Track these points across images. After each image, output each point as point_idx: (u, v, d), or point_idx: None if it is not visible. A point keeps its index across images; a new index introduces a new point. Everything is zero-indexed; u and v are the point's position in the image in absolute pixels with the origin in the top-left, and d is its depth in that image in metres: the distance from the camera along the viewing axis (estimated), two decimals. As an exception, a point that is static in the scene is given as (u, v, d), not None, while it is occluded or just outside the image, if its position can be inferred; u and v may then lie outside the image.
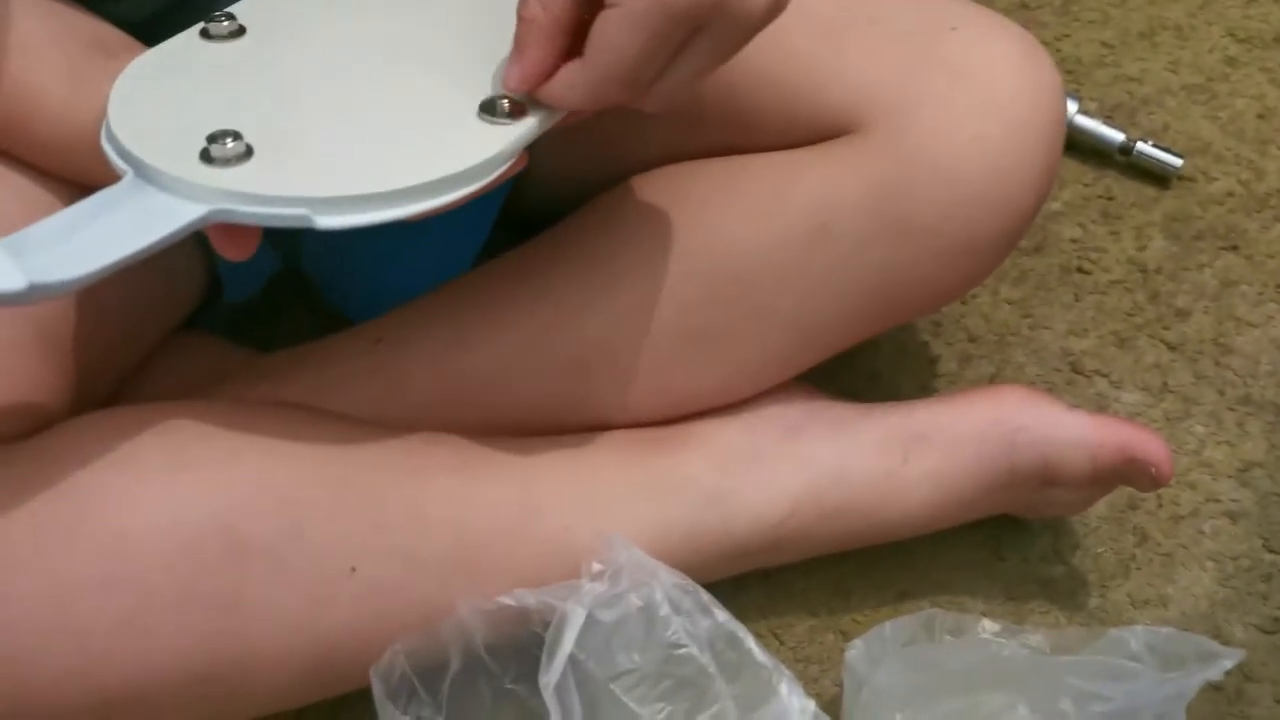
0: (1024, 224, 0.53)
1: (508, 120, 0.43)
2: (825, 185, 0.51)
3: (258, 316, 0.63)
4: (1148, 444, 0.54)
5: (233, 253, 0.41)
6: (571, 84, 0.42)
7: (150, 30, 0.48)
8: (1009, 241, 0.53)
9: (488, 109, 0.43)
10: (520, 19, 0.43)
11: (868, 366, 0.66)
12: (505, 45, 0.46)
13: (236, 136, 0.41)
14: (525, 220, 0.59)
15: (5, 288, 0.35)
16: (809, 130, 0.52)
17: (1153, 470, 0.54)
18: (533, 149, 0.59)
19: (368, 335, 0.54)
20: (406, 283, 0.56)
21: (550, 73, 0.43)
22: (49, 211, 0.45)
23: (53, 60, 0.45)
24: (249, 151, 0.41)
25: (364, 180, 0.41)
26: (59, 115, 0.45)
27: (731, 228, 0.52)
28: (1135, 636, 0.48)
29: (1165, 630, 0.48)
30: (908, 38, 0.52)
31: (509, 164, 0.43)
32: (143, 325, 0.52)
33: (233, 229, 0.40)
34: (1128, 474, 0.54)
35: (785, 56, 0.52)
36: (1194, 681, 0.44)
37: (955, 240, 0.52)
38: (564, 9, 0.42)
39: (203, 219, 0.40)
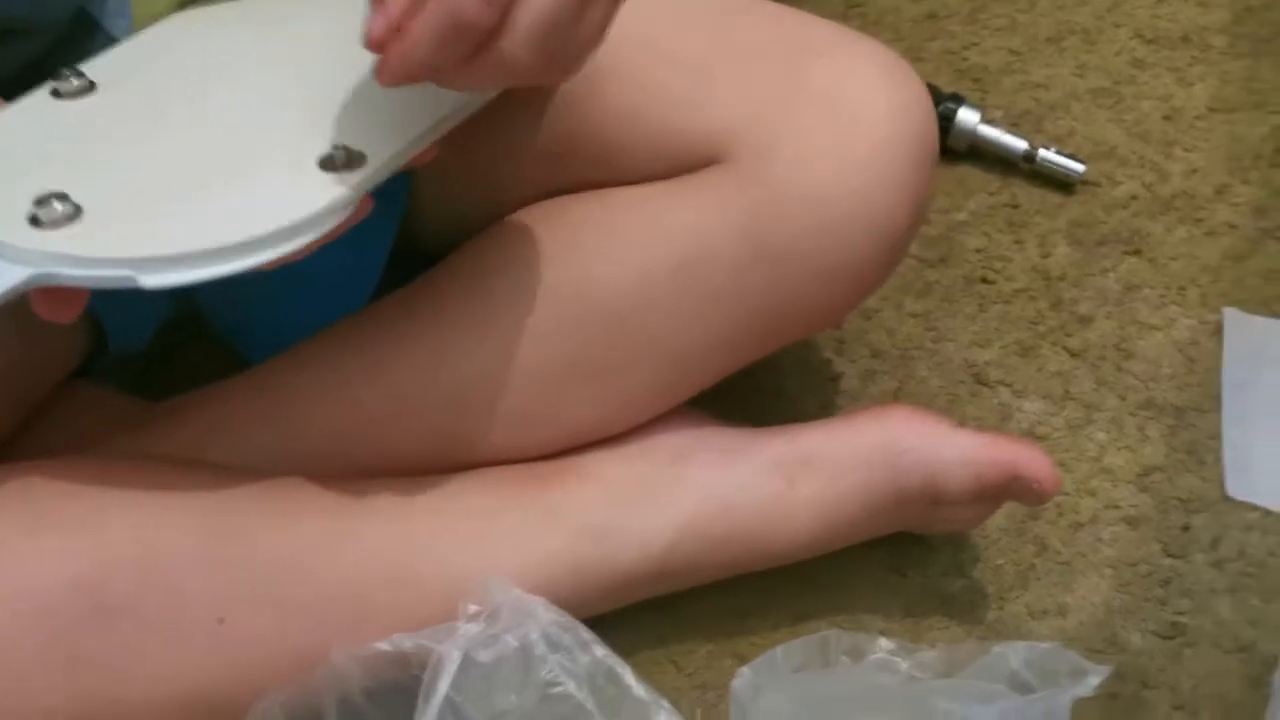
0: (900, 243, 0.53)
1: (343, 171, 0.43)
2: (695, 216, 0.52)
3: (155, 360, 0.63)
4: (1030, 461, 0.54)
5: (58, 315, 0.41)
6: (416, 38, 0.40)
7: (13, 88, 0.48)
8: (887, 260, 0.53)
9: (326, 161, 0.43)
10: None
11: (771, 386, 0.67)
12: (357, 97, 0.46)
13: (64, 198, 0.41)
14: (423, 255, 0.59)
15: None
16: (677, 164, 0.53)
17: (1037, 487, 0.54)
18: (415, 190, 0.59)
19: (251, 383, 0.54)
20: (302, 321, 0.57)
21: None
22: None
23: None
24: (77, 213, 0.41)
25: (187, 238, 0.41)
26: None
27: (602, 260, 0.52)
28: (1015, 653, 0.49)
29: (1044, 646, 0.48)
30: (774, 69, 0.52)
31: (342, 216, 0.43)
32: (20, 382, 0.52)
33: (59, 292, 0.40)
34: (1014, 490, 0.55)
35: (652, 93, 0.52)
36: (1063, 699, 0.45)
37: (828, 264, 0.52)
38: None
39: (28, 282, 0.40)
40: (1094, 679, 0.45)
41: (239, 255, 0.41)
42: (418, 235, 0.60)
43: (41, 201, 0.41)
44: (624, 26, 0.53)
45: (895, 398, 0.67)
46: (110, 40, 0.49)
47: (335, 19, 0.51)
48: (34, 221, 0.40)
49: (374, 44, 0.41)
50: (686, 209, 0.52)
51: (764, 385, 0.66)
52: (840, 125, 0.51)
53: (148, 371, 0.62)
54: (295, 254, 0.42)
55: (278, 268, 0.42)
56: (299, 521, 0.48)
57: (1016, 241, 0.74)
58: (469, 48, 0.40)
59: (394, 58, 0.41)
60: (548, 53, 0.41)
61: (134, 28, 0.49)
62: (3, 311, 0.39)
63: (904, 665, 0.52)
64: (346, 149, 0.43)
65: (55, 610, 0.42)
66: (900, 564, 0.61)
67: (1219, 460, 0.65)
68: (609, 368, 0.53)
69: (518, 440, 0.54)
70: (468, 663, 0.46)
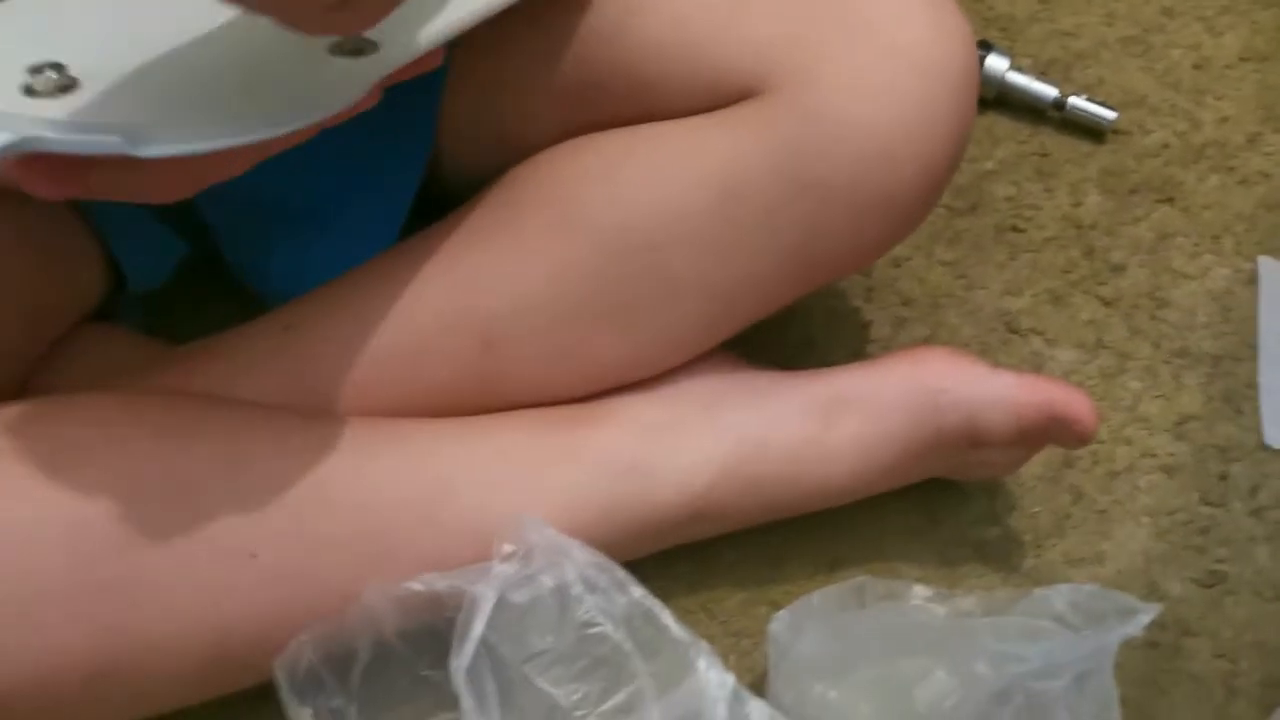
0: (941, 177, 0.52)
1: (354, 55, 0.42)
2: (732, 150, 0.50)
3: (178, 308, 0.61)
4: (1071, 401, 0.53)
5: (50, 190, 0.39)
6: None
7: None
8: (926, 197, 0.52)
9: (337, 44, 0.42)
10: None
11: (800, 334, 0.66)
12: None
13: (60, 68, 0.40)
14: (445, 205, 0.58)
15: None
16: (712, 95, 0.51)
17: (1077, 427, 0.53)
18: (443, 128, 0.58)
19: (277, 322, 0.53)
20: (326, 267, 0.55)
21: None
22: None
23: None
24: (73, 84, 0.40)
25: (185, 107, 0.40)
26: None
27: (638, 197, 0.51)
28: (1060, 595, 0.48)
29: (1088, 588, 0.47)
30: (810, -6, 0.51)
31: (348, 101, 0.42)
32: (40, 316, 0.51)
33: (52, 165, 0.38)
34: (1053, 432, 0.54)
35: (681, 21, 0.51)
36: (1112, 638, 0.44)
37: (869, 197, 0.50)
38: None
39: (12, 145, 0.37)
40: (1144, 617, 0.44)
41: (237, 128, 0.40)
42: (447, 177, 0.59)
43: (36, 70, 0.39)
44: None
45: (926, 345, 0.66)
46: None
47: None
48: (28, 91, 0.39)
49: None
50: (725, 142, 0.50)
51: (792, 335, 0.65)
52: (881, 52, 0.49)
53: (168, 316, 0.60)
54: (297, 135, 0.40)
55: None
56: (332, 459, 0.47)
57: (1047, 190, 0.73)
58: None
59: None
60: None
61: None
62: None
63: (941, 611, 0.51)
64: (360, 35, 0.42)
65: (83, 537, 0.41)
66: (934, 511, 0.60)
67: (1256, 409, 0.63)
68: (644, 304, 0.52)
69: (549, 379, 0.52)
70: (503, 603, 0.45)
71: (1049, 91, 0.75)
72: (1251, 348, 0.66)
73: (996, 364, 0.64)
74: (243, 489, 0.44)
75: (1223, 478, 0.62)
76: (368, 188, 0.57)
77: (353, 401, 0.51)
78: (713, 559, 0.57)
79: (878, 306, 0.67)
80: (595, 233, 0.51)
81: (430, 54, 0.45)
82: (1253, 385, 0.65)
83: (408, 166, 0.57)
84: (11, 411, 0.43)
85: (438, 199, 0.58)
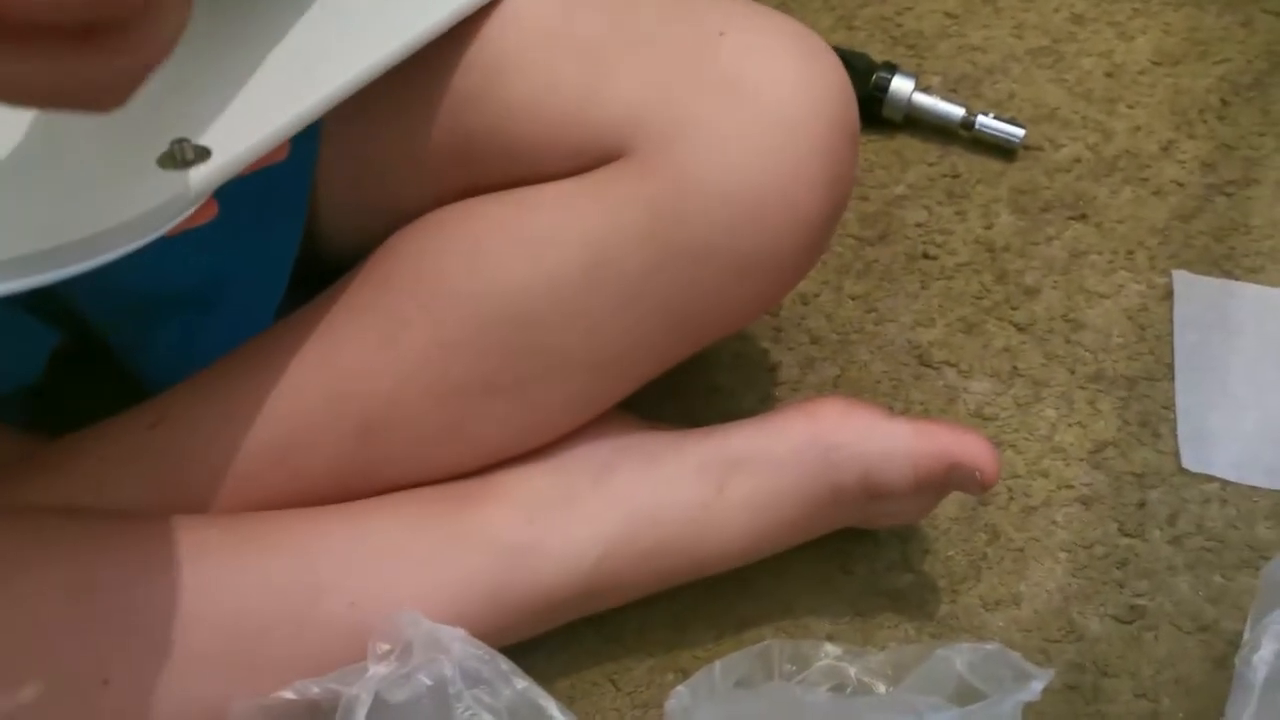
0: (818, 232, 0.50)
1: (184, 166, 0.40)
2: (602, 216, 0.49)
3: (57, 391, 0.60)
4: (969, 447, 0.51)
5: None
6: None
7: None
8: (805, 252, 0.50)
9: (165, 159, 0.40)
10: None
11: (706, 380, 0.64)
12: (208, 77, 0.43)
13: None
14: (327, 274, 0.56)
15: None
16: (584, 158, 0.49)
17: (979, 475, 0.51)
18: (314, 198, 0.56)
19: (144, 417, 0.51)
20: (205, 344, 0.54)
21: None
22: None
23: None
24: None
25: (7, 245, 0.38)
26: None
27: (510, 269, 0.49)
28: (960, 656, 0.46)
29: (988, 648, 0.46)
30: (675, 49, 0.49)
31: (178, 218, 0.40)
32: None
33: None
34: (954, 480, 0.52)
35: (551, 84, 0.49)
36: (1006, 707, 0.42)
37: (745, 258, 0.49)
38: None
39: None
40: (1038, 684, 0.43)
41: (56, 261, 0.38)
42: (321, 247, 0.57)
43: None
44: (520, 14, 0.50)
45: (836, 385, 0.64)
46: None
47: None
48: None
49: None
50: (594, 207, 0.49)
51: (698, 380, 0.64)
52: (746, 109, 0.48)
53: (56, 406, 0.59)
54: (119, 255, 0.39)
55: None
56: (190, 562, 0.45)
57: (958, 213, 0.72)
58: None
59: None
60: None
61: None
62: None
63: (851, 670, 0.50)
64: (187, 142, 0.40)
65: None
66: (845, 560, 0.58)
67: (1174, 431, 0.62)
68: (523, 380, 0.50)
69: (431, 460, 0.51)
70: (379, 705, 0.44)
71: (956, 111, 0.74)
72: (1168, 367, 0.65)
73: (908, 400, 0.64)
74: (91, 613, 0.42)
75: (1141, 505, 0.60)
76: (243, 266, 0.55)
77: (224, 498, 0.49)
78: (615, 627, 0.55)
79: (785, 347, 0.66)
80: (466, 309, 0.49)
81: (277, 149, 0.43)
82: (1170, 406, 0.63)
83: (282, 243, 0.55)
84: None
85: (320, 268, 0.57)
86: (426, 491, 0.51)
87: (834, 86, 0.50)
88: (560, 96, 0.50)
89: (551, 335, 0.50)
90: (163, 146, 0.40)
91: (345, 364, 0.50)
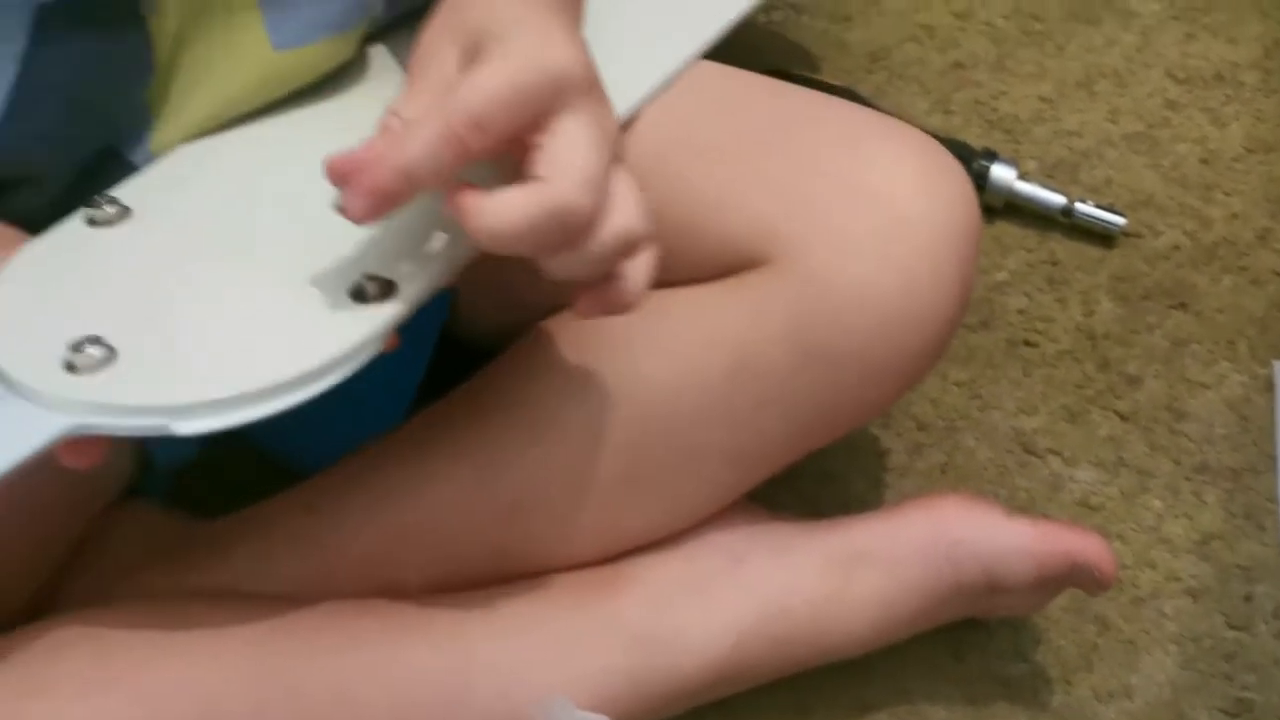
0: (945, 335, 0.52)
1: (375, 303, 0.42)
2: (742, 320, 0.51)
3: (200, 473, 0.63)
4: (1089, 548, 0.53)
5: (81, 460, 0.40)
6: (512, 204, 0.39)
7: (43, 223, 0.48)
8: (932, 352, 0.53)
9: (357, 293, 0.43)
10: (379, 131, 0.42)
11: (818, 467, 0.66)
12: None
13: (98, 341, 0.40)
14: (465, 354, 0.58)
15: None
16: (719, 264, 0.52)
17: (1097, 574, 0.53)
18: (456, 297, 0.59)
19: (298, 502, 0.54)
20: (345, 433, 0.56)
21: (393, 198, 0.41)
22: None
23: None
24: (112, 356, 0.40)
25: (217, 383, 0.40)
26: None
27: (653, 369, 0.52)
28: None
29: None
30: (806, 159, 0.52)
31: (373, 352, 0.42)
32: (78, 500, 0.52)
33: (84, 439, 0.40)
34: (1074, 578, 0.54)
35: (683, 191, 0.52)
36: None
37: (876, 359, 0.51)
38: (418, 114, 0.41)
39: (63, 433, 0.39)
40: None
41: (268, 399, 0.40)
42: (459, 329, 0.60)
43: (77, 346, 0.40)
44: (645, 122, 0.53)
45: (943, 472, 0.66)
46: (131, 168, 0.49)
47: (350, 137, 0.51)
48: (69, 367, 0.40)
49: (330, 170, 0.40)
50: (736, 312, 0.51)
51: (811, 466, 0.65)
52: (880, 219, 0.50)
53: (196, 483, 0.62)
54: (320, 391, 0.41)
55: None
56: (349, 650, 0.47)
57: (1059, 300, 0.73)
58: (561, 236, 0.40)
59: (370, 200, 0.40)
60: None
61: (153, 156, 0.49)
62: (34, 462, 0.39)
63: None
64: (378, 278, 0.43)
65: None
66: (958, 647, 0.60)
67: (1278, 525, 0.63)
68: (663, 473, 0.52)
69: (569, 550, 0.53)
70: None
71: (1057, 199, 0.76)
72: (1270, 459, 0.66)
73: (1013, 488, 0.65)
74: (265, 698, 0.45)
75: (1247, 599, 0.62)
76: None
77: (376, 581, 0.52)
78: (742, 710, 0.57)
79: (894, 433, 0.68)
80: (612, 408, 0.52)
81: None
82: (1273, 499, 0.64)
83: (424, 333, 0.58)
84: (42, 637, 0.44)
85: (454, 343, 0.59)
86: (568, 577, 0.53)
87: (959, 193, 0.52)
88: (693, 201, 0.52)
89: (692, 432, 0.52)
90: (353, 282, 0.43)
91: (493, 454, 0.52)
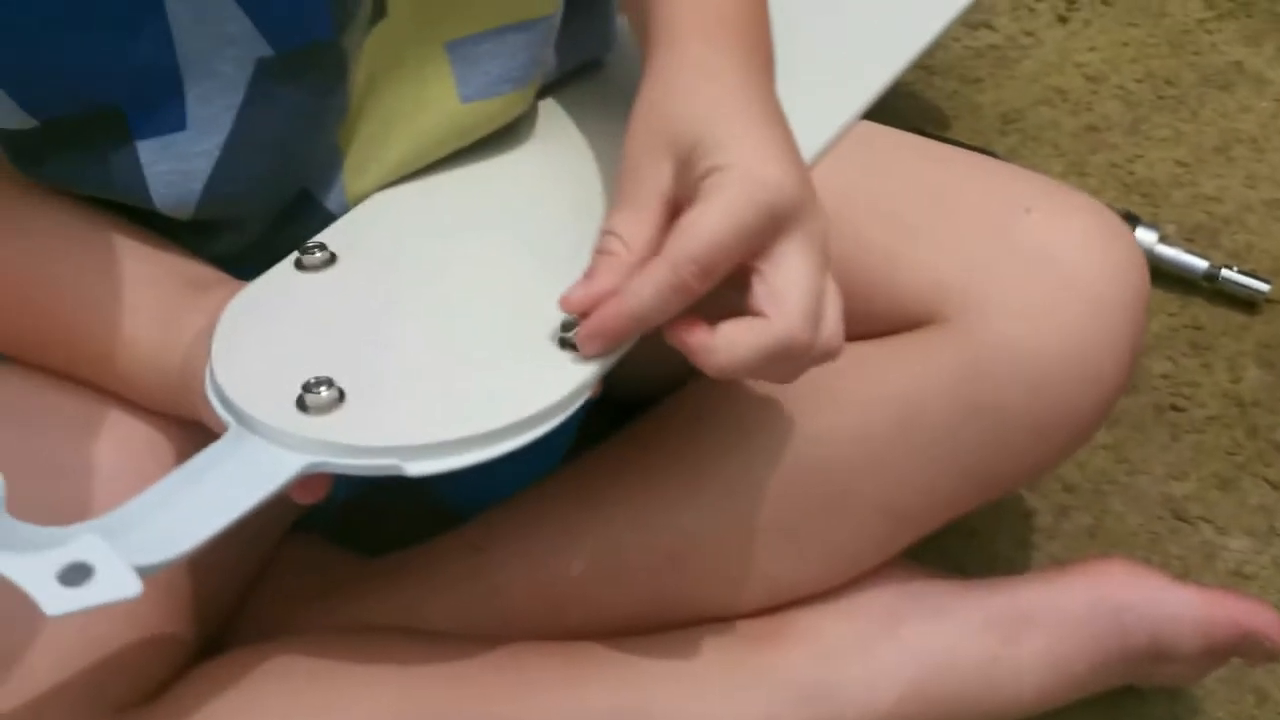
0: (1115, 395, 0.52)
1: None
2: (908, 376, 0.51)
3: (356, 509, 0.64)
4: (1259, 618, 0.52)
5: (308, 497, 0.42)
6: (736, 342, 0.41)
7: (240, 264, 0.50)
8: (1100, 414, 0.53)
9: (566, 342, 0.44)
10: (599, 251, 0.44)
11: (963, 525, 0.65)
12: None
13: (330, 383, 0.42)
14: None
15: (123, 595, 0.35)
16: (888, 321, 0.52)
17: (1267, 644, 0.52)
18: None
19: (466, 542, 0.55)
20: (503, 474, 0.57)
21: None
22: (148, 455, 0.46)
23: (147, 304, 0.47)
24: (341, 398, 0.42)
25: (448, 425, 0.41)
26: (150, 359, 0.46)
27: (820, 420, 0.52)
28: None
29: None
30: (981, 221, 0.52)
31: (587, 396, 0.44)
32: (262, 535, 0.54)
33: (314, 476, 0.41)
34: (1241, 648, 0.53)
35: (859, 247, 0.52)
36: None
37: (1045, 419, 0.51)
38: (648, 248, 0.42)
39: (303, 471, 0.41)
40: None
41: (496, 441, 0.42)
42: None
43: (309, 387, 0.42)
44: (827, 181, 0.53)
45: (1092, 536, 0.66)
46: (326, 214, 0.51)
47: (543, 178, 0.53)
48: (301, 407, 0.41)
49: (565, 307, 0.43)
50: (903, 369, 0.51)
51: (955, 525, 0.65)
52: (1056, 284, 0.50)
53: (353, 518, 0.63)
54: (543, 434, 0.42)
55: None
56: (533, 696, 0.48)
57: (1204, 365, 0.73)
58: (790, 366, 0.42)
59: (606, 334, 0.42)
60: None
61: (347, 202, 0.51)
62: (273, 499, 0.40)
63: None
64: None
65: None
66: (1116, 713, 0.59)
67: None
68: (824, 527, 0.52)
69: (733, 597, 0.53)
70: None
71: (1199, 263, 0.75)
72: None
73: (1166, 555, 0.65)
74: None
75: None
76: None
77: (544, 622, 0.52)
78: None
79: (1040, 495, 0.67)
80: (776, 459, 0.52)
81: None
82: None
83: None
84: (241, 666, 0.46)
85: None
86: (733, 627, 0.53)
87: (1133, 261, 0.52)
88: (866, 259, 0.52)
89: (855, 485, 0.52)
90: (562, 328, 0.44)
91: (655, 503, 0.53)
